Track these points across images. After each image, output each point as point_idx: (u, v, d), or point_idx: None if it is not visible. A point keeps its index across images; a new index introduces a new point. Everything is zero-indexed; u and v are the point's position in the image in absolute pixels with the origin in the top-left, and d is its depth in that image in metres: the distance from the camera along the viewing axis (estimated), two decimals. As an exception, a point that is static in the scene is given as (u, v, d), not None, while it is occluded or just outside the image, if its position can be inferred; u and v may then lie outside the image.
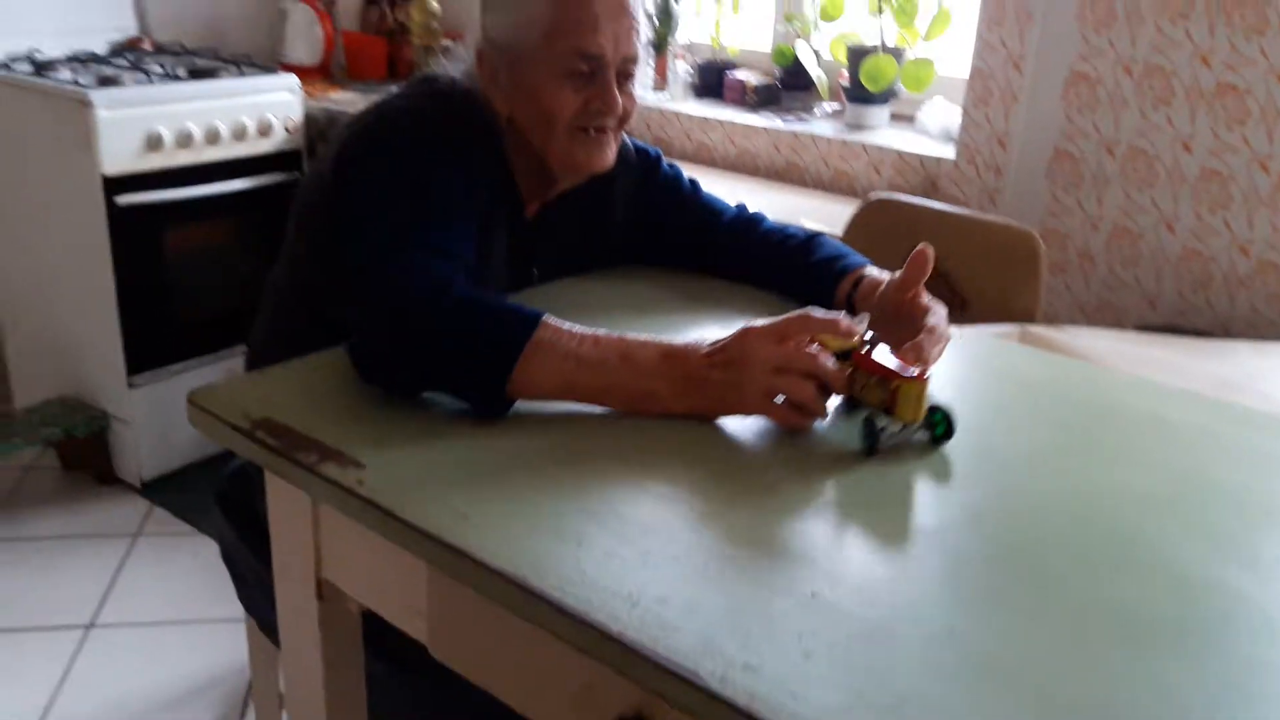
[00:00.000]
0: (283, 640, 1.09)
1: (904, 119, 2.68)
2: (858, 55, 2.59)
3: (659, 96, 2.96)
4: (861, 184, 2.52)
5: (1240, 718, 0.67)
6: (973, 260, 1.90)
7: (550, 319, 0.99)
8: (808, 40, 2.75)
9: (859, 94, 2.63)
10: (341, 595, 1.01)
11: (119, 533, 2.31)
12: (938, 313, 1.16)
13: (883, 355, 1.00)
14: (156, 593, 2.12)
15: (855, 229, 2.07)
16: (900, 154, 2.46)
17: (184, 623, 2.04)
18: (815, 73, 2.72)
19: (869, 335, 1.02)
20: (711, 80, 2.95)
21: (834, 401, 1.02)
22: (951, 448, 1.02)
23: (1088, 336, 1.67)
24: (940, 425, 1.00)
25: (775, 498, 0.90)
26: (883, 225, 2.04)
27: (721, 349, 0.99)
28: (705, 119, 2.79)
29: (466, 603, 0.85)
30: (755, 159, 2.72)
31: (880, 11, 2.56)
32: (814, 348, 0.98)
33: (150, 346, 2.42)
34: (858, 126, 2.64)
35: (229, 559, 1.55)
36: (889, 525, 0.88)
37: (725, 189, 2.51)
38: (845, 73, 2.68)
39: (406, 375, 1.01)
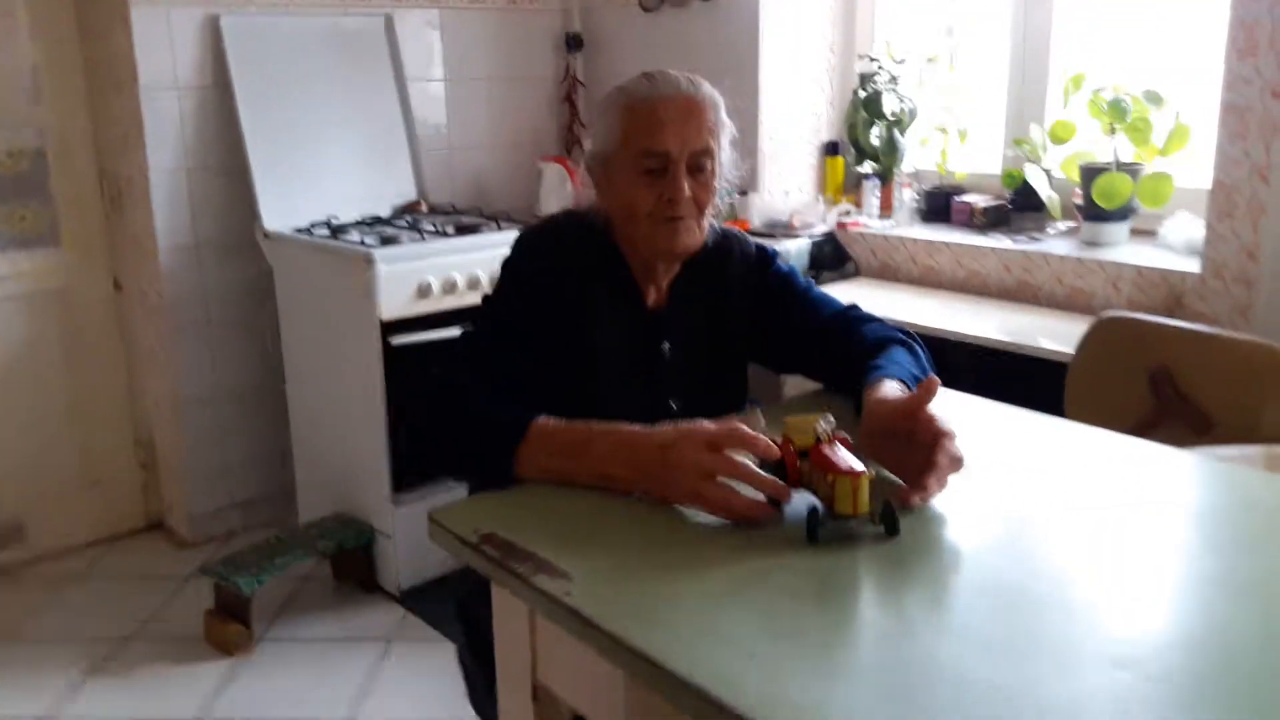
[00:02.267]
0: (504, 738, 1.18)
1: (1144, 234, 2.59)
2: (1091, 174, 2.55)
3: (885, 224, 3.01)
4: (1099, 301, 2.44)
5: None
6: (1216, 378, 1.80)
7: (540, 419, 1.20)
8: (1038, 163, 2.73)
9: (1094, 212, 2.57)
10: (554, 698, 1.10)
11: (379, 636, 2.54)
12: (946, 446, 1.11)
13: (836, 452, 1.05)
14: (411, 692, 2.31)
15: (1086, 349, 2.01)
16: (1139, 270, 2.38)
17: (431, 722, 2.20)
18: (1046, 193, 2.69)
19: (829, 429, 1.08)
20: (938, 205, 2.98)
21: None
22: (1176, 577, 0.98)
23: (1348, 461, 1.52)
24: (883, 520, 1.03)
25: (965, 614, 0.90)
26: (1115, 344, 1.97)
27: (669, 444, 1.10)
28: (931, 242, 2.81)
29: (661, 709, 0.91)
30: (985, 279, 2.70)
31: (1113, 132, 2.52)
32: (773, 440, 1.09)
33: (413, 468, 2.68)
34: (1094, 244, 2.58)
35: (463, 664, 1.69)
36: (1098, 647, 0.86)
37: (950, 312, 2.52)
38: (1078, 191, 2.64)
39: (442, 445, 1.31)
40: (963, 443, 1.12)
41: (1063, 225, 2.76)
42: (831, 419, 1.09)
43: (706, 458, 1.08)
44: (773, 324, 1.55)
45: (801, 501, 1.07)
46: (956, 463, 1.11)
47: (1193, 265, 2.29)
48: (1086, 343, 2.03)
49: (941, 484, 1.10)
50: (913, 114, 3.09)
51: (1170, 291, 2.32)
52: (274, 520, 3.11)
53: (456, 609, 1.67)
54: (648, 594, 0.95)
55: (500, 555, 1.04)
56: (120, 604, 2.70)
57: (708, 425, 1.10)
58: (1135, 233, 2.59)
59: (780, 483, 1.08)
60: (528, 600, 1.02)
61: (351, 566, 2.74)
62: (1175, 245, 2.44)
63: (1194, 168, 2.42)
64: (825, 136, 3.27)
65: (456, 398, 1.30)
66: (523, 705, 1.12)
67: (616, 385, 1.45)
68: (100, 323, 3.02)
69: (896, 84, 3.09)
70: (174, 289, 2.89)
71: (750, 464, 1.08)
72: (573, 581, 0.98)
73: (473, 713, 1.70)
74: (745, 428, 1.09)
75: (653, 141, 1.38)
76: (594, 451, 1.15)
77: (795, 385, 2.30)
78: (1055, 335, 2.28)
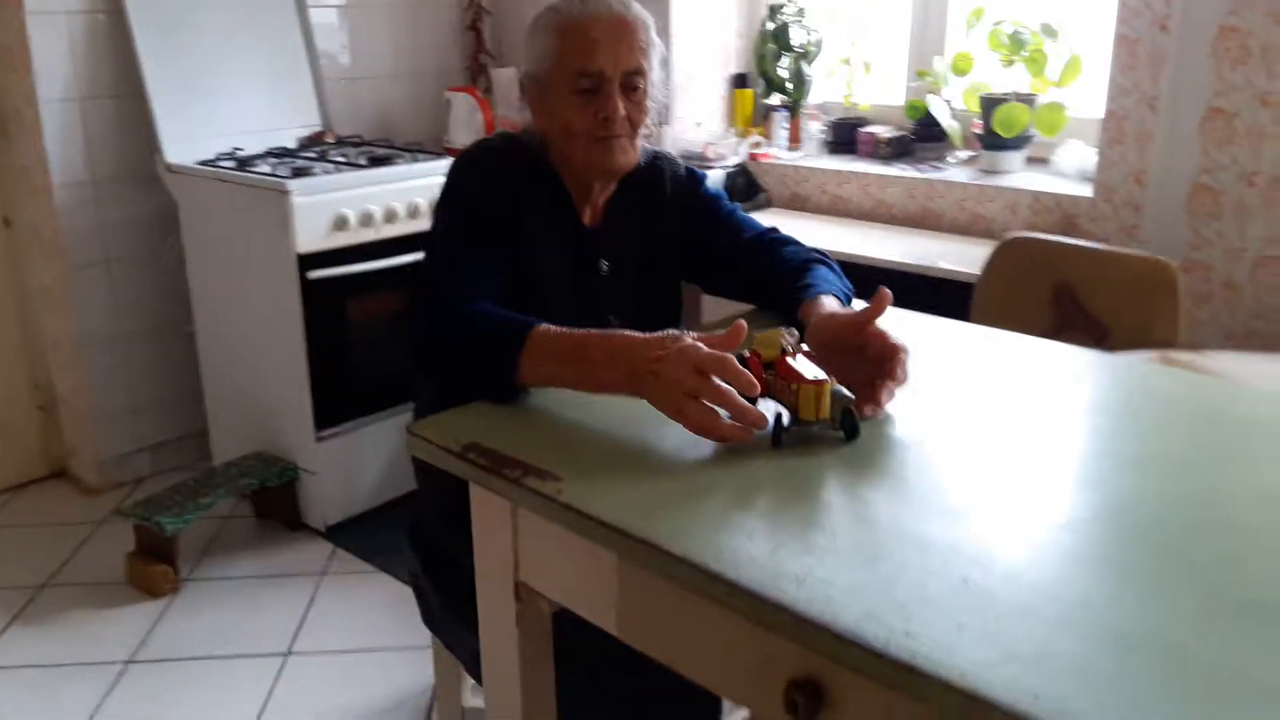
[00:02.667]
0: (483, 637, 1.23)
1: (1039, 162, 2.74)
2: (990, 104, 2.67)
3: (794, 155, 3.09)
4: (998, 226, 2.57)
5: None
6: (1111, 292, 1.95)
7: (540, 327, 1.21)
8: (939, 94, 2.84)
9: (993, 141, 2.70)
10: (535, 596, 1.15)
11: (308, 572, 2.53)
12: (902, 360, 1.18)
13: (800, 363, 1.11)
14: (343, 624, 2.32)
15: (993, 268, 2.13)
16: (1036, 195, 2.52)
17: (370, 650, 2.23)
18: (948, 123, 2.81)
19: (795, 343, 1.14)
20: (844, 136, 3.08)
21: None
22: (1088, 451, 1.09)
23: (1227, 360, 1.68)
24: (845, 423, 1.10)
25: (922, 494, 0.99)
26: (1020, 264, 2.10)
27: (662, 358, 1.10)
28: (839, 172, 2.91)
29: (652, 590, 0.97)
30: (890, 208, 2.82)
31: (1011, 63, 2.64)
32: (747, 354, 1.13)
33: (335, 404, 2.66)
34: (992, 171, 2.71)
35: (417, 587, 1.72)
36: (1033, 519, 0.95)
37: (860, 238, 2.63)
38: (978, 121, 2.76)
39: (447, 375, 1.30)
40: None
41: (963, 154, 2.89)
42: (795, 333, 1.15)
43: (693, 379, 1.08)
44: (702, 244, 1.61)
45: (768, 411, 1.12)
46: (904, 377, 1.18)
47: (1085, 190, 2.44)
48: (992, 262, 2.17)
49: (891, 395, 1.18)
50: (819, 46, 3.17)
51: (1064, 215, 2.47)
52: (185, 464, 3.05)
53: (409, 532, 1.70)
54: (634, 489, 1.01)
55: (488, 462, 1.08)
56: (31, 552, 2.62)
57: (701, 348, 1.09)
58: (1031, 160, 2.74)
59: (758, 413, 1.09)
60: (519, 502, 1.06)
61: (274, 505, 2.71)
62: (1068, 171, 2.60)
63: (1087, 98, 2.56)
64: (734, 68, 3.32)
65: (456, 321, 1.28)
66: (504, 605, 1.17)
67: (557, 303, 1.47)
68: (-12, 262, 2.88)
69: (803, 16, 3.15)
70: (69, 225, 2.76)
71: (734, 392, 1.08)
72: (562, 481, 1.03)
73: (420, 635, 1.72)
74: (734, 361, 1.08)
75: (586, 61, 1.40)
76: (590, 357, 1.16)
77: (714, 307, 2.38)
78: (959, 258, 2.41)
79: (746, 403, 1.08)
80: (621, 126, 1.42)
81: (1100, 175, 2.38)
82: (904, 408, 1.19)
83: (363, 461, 2.76)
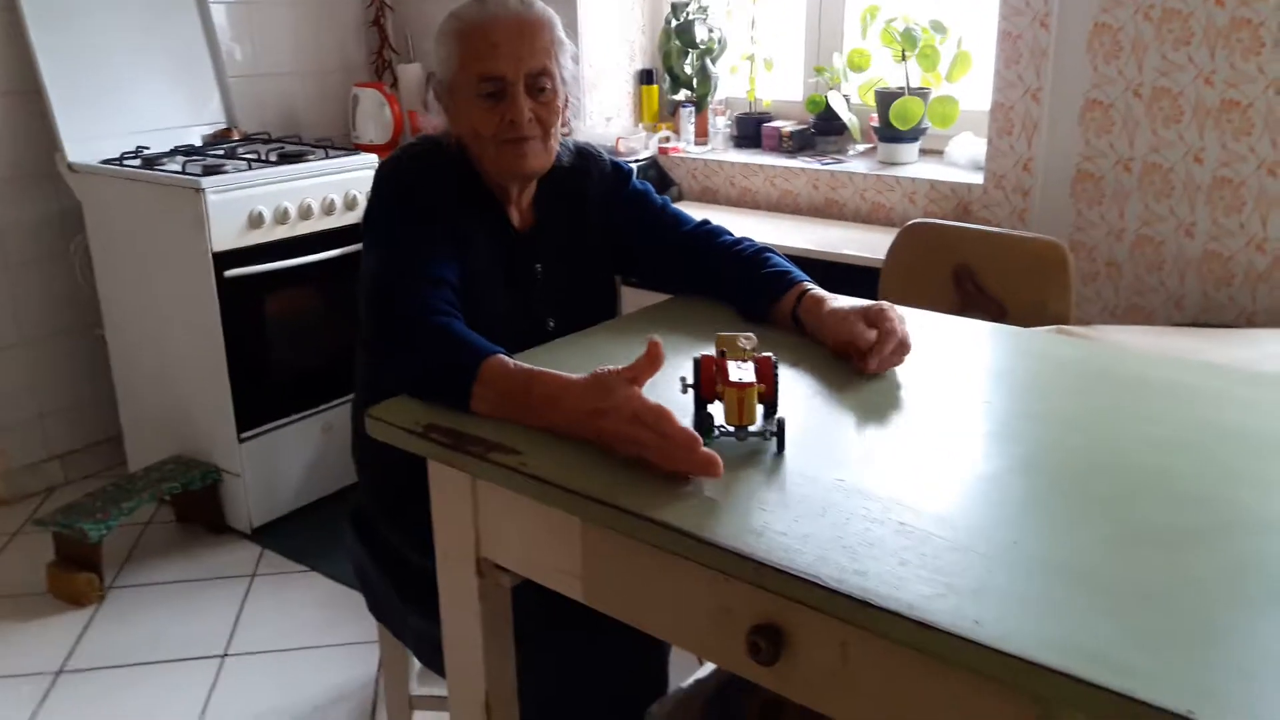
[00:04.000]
0: (445, 616, 1.27)
1: (933, 153, 2.89)
2: (886, 99, 2.81)
3: (702, 149, 3.19)
4: (898, 214, 2.72)
5: (1248, 592, 0.84)
6: (1007, 272, 2.09)
7: (495, 359, 1.18)
8: (838, 89, 2.98)
9: (889, 134, 2.84)
10: (497, 572, 1.21)
11: (237, 574, 2.52)
12: (892, 317, 1.31)
13: (735, 368, 1.10)
14: (278, 624, 2.32)
15: (896, 253, 2.26)
16: (932, 184, 2.67)
17: (307, 648, 2.24)
18: (847, 117, 2.95)
19: (753, 347, 1.15)
20: (750, 131, 3.19)
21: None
22: (999, 411, 1.21)
23: (1117, 332, 1.84)
24: (772, 436, 1.09)
25: (860, 455, 1.09)
26: (921, 248, 2.23)
27: (601, 411, 1.07)
28: (746, 164, 3.02)
29: (617, 553, 1.04)
30: (796, 198, 2.94)
31: (904, 59, 2.79)
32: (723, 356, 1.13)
33: (256, 404, 2.65)
34: (890, 163, 2.85)
35: (362, 575, 1.74)
36: (958, 471, 1.06)
37: (769, 228, 2.74)
38: (875, 115, 2.90)
39: (407, 387, 1.25)
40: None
41: (862, 146, 3.03)
42: (753, 337, 1.17)
43: (636, 432, 1.05)
44: (633, 238, 1.65)
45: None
46: (903, 336, 1.31)
47: (977, 178, 2.60)
48: (895, 248, 2.29)
49: (894, 356, 1.30)
50: (722, 44, 3.27)
51: (959, 202, 2.63)
52: (99, 470, 2.98)
53: (352, 522, 1.72)
54: (594, 462, 1.07)
55: (450, 440, 1.13)
56: (-62, 567, 2.54)
57: (636, 396, 1.07)
58: (925, 151, 2.90)
59: (709, 457, 1.02)
60: (483, 476, 1.12)
61: (197, 508, 2.68)
62: (961, 161, 2.76)
63: (976, 91, 2.72)
64: (640, 65, 3.40)
65: (416, 336, 1.26)
66: (466, 581, 1.22)
67: (494, 308, 1.49)
68: (-124, 269, 2.76)
69: (706, 14, 3.25)
70: (-35, 229, 2.68)
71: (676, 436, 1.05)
72: (524, 455, 1.09)
73: (357, 631, 1.74)
74: (670, 415, 1.04)
75: (487, 66, 1.41)
76: (531, 402, 1.14)
77: (632, 296, 2.45)
78: (865, 245, 2.54)
79: (698, 453, 1.02)
80: (530, 128, 1.43)
81: (990, 164, 2.54)
82: (834, 382, 1.29)
83: (286, 461, 2.75)
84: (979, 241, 2.17)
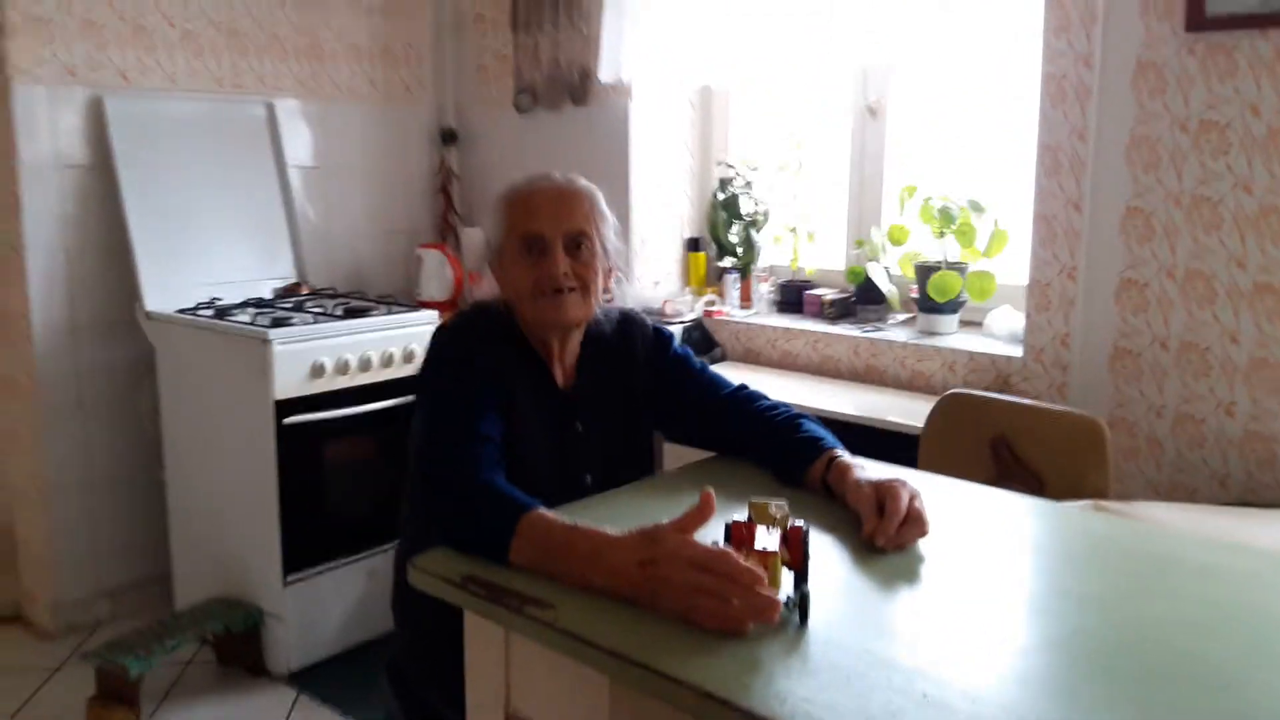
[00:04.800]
0: (474, 770, 1.28)
1: (973, 324, 2.96)
2: (925, 272, 2.91)
3: (745, 312, 3.30)
4: (938, 382, 2.77)
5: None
6: (1044, 445, 2.11)
7: (535, 513, 1.24)
8: (878, 261, 3.09)
9: (929, 304, 2.92)
10: (527, 727, 1.22)
11: (270, 718, 2.52)
12: (900, 495, 1.33)
13: (763, 535, 1.13)
14: (308, 775, 2.31)
15: (934, 422, 2.30)
16: (971, 355, 2.72)
17: (334, 803, 2.21)
18: (886, 288, 3.04)
19: (783, 515, 1.17)
20: (792, 297, 3.30)
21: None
22: (1029, 585, 1.22)
23: (1156, 509, 1.84)
24: (795, 608, 1.11)
25: (888, 624, 1.11)
26: (959, 417, 2.27)
27: (652, 560, 1.11)
28: (789, 329, 3.11)
29: (643, 713, 1.06)
30: (837, 363, 3.01)
31: (943, 235, 2.90)
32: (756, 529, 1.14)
33: (304, 548, 2.71)
34: (930, 332, 2.92)
35: (392, 726, 1.75)
36: (986, 645, 1.07)
37: (810, 391, 2.80)
38: (914, 287, 2.99)
39: (450, 540, 1.30)
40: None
41: (901, 316, 3.11)
42: (784, 505, 1.20)
43: (696, 577, 1.08)
44: (674, 400, 1.73)
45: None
46: (910, 513, 1.32)
47: (1016, 350, 2.66)
48: (934, 416, 2.33)
49: (889, 537, 1.30)
50: (767, 215, 3.42)
51: (998, 374, 2.67)
52: (145, 608, 3.02)
53: (388, 674, 1.74)
54: (627, 618, 1.11)
55: (486, 592, 1.17)
56: (-18, 699, 2.58)
57: (692, 544, 1.11)
58: (964, 323, 2.96)
59: (768, 597, 1.07)
60: (516, 629, 1.15)
61: (238, 650, 2.71)
62: (1000, 334, 2.82)
63: (1013, 266, 2.81)
64: (688, 233, 3.56)
65: (462, 492, 1.32)
66: (495, 735, 1.24)
67: (535, 463, 1.57)
68: (-42, 405, 2.92)
69: (751, 188, 3.42)
70: (46, 371, 2.84)
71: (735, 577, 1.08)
72: (558, 610, 1.12)
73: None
74: (731, 555, 1.09)
75: (529, 226, 1.57)
76: (573, 558, 1.17)
77: (674, 453, 2.50)
78: (904, 412, 2.58)
79: (757, 582, 1.07)
80: (568, 281, 1.56)
81: (1029, 338, 2.59)
82: (866, 550, 1.32)
83: (329, 605, 2.78)
84: (1016, 414, 2.21)
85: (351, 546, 2.82)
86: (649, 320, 1.79)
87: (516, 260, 1.58)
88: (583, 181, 1.64)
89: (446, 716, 1.55)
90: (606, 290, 1.66)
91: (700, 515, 1.15)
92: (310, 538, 2.72)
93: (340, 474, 2.80)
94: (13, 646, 2.86)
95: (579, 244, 1.58)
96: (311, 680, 2.70)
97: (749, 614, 1.07)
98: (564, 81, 3.44)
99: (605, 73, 3.26)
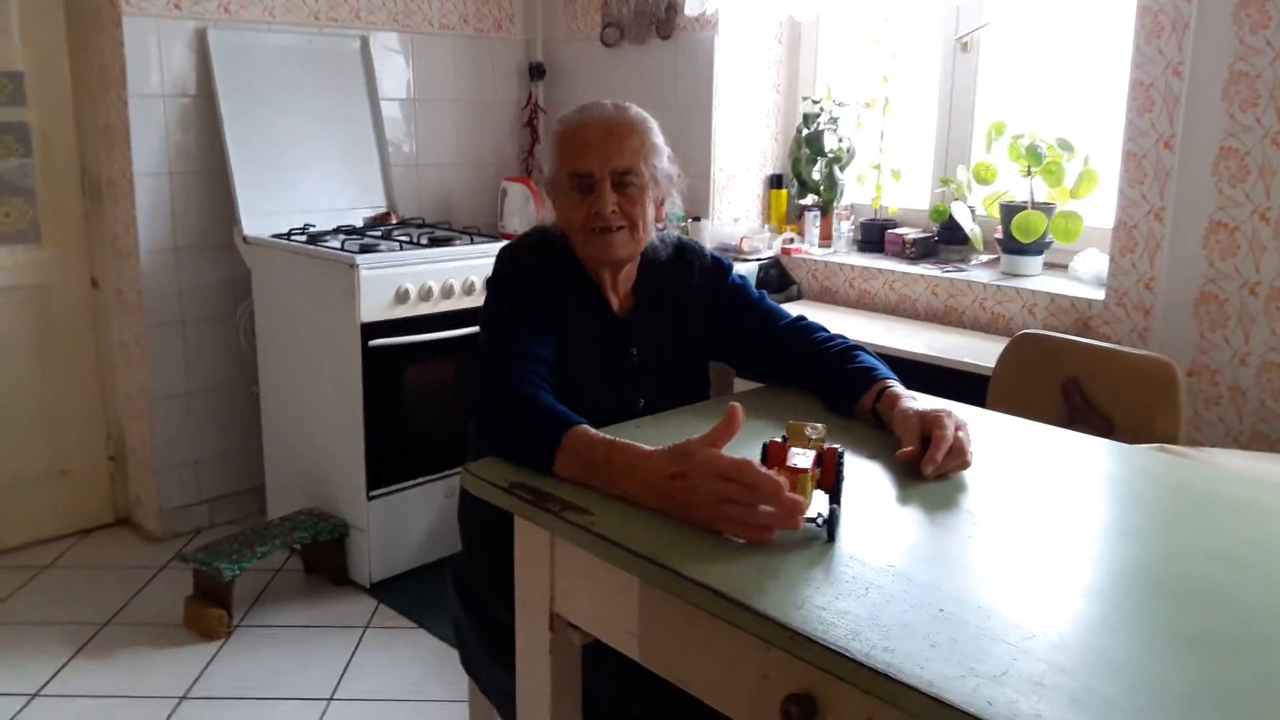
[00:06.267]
0: (519, 667, 1.36)
1: (1058, 267, 2.89)
2: (1010, 211, 2.84)
3: (824, 251, 3.28)
4: (1016, 325, 2.72)
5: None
6: (1116, 387, 2.08)
7: (579, 428, 1.28)
8: (963, 200, 3.03)
9: (1012, 246, 2.86)
10: (568, 628, 1.29)
11: (352, 624, 2.68)
12: (946, 424, 1.35)
13: (796, 455, 1.16)
14: (383, 676, 2.45)
15: (1004, 363, 2.28)
16: (1052, 297, 2.67)
17: (407, 700, 2.35)
18: (970, 227, 2.99)
19: (820, 436, 1.20)
20: (873, 236, 3.26)
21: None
22: (1063, 523, 1.22)
23: (1221, 455, 1.80)
24: (824, 525, 1.14)
25: (913, 544, 1.13)
26: (1031, 359, 2.24)
27: (681, 473, 1.16)
28: (866, 268, 3.08)
29: (669, 614, 1.11)
30: (915, 303, 2.98)
31: (1030, 174, 2.83)
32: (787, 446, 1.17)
33: (387, 466, 2.84)
34: (1012, 274, 2.87)
35: (458, 631, 1.86)
36: (1008, 569, 1.09)
37: (884, 330, 2.78)
38: (999, 227, 2.93)
39: (496, 449, 1.37)
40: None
41: (984, 257, 3.06)
42: (821, 427, 1.24)
43: (723, 487, 1.12)
44: (732, 329, 1.76)
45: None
46: (956, 442, 1.34)
47: (1098, 294, 2.59)
48: (1005, 357, 2.31)
49: (952, 460, 1.33)
50: (851, 153, 3.38)
51: (1079, 317, 2.62)
52: (240, 517, 3.23)
53: (453, 579, 1.84)
54: (660, 526, 1.16)
55: (533, 498, 1.24)
56: (95, 593, 2.79)
57: (719, 456, 1.15)
58: (1049, 265, 2.90)
59: (794, 499, 1.11)
60: (554, 531, 1.21)
61: (323, 559, 2.87)
62: (1084, 277, 2.75)
63: (1101, 208, 2.73)
64: (770, 170, 3.54)
65: (507, 403, 1.38)
66: (540, 635, 1.31)
67: (589, 385, 1.62)
68: (75, 319, 3.11)
69: (836, 125, 3.37)
70: (152, 288, 3.01)
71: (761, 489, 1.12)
72: (595, 516, 1.18)
73: (454, 686, 1.83)
74: (754, 464, 1.13)
75: (577, 163, 1.59)
76: (611, 471, 1.23)
77: (743, 384, 2.53)
78: (977, 353, 2.55)
79: (778, 489, 1.10)
80: (615, 219, 1.59)
81: (1112, 281, 2.53)
82: (908, 479, 1.34)
83: (408, 522, 2.92)
84: (1088, 356, 2.17)
85: (430, 466, 2.95)
86: (707, 250, 1.81)
87: (567, 195, 1.61)
88: (634, 111, 1.64)
89: (502, 618, 1.63)
90: (659, 220, 1.69)
91: (727, 429, 1.19)
92: (392, 456, 2.85)
93: (421, 396, 2.91)
94: (121, 547, 3.08)
95: (627, 180, 1.59)
96: (390, 590, 2.84)
97: (773, 520, 1.11)
98: (650, 15, 3.44)
99: (691, 5, 3.24)
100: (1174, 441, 2.00)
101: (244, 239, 3.01)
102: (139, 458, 3.15)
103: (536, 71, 3.84)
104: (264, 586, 2.86)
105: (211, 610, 2.57)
